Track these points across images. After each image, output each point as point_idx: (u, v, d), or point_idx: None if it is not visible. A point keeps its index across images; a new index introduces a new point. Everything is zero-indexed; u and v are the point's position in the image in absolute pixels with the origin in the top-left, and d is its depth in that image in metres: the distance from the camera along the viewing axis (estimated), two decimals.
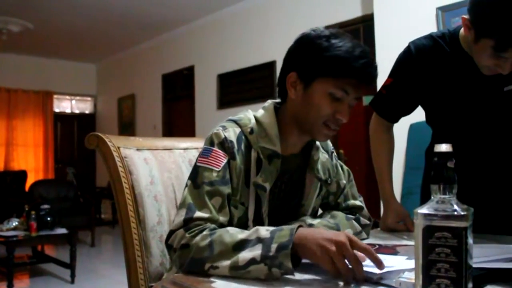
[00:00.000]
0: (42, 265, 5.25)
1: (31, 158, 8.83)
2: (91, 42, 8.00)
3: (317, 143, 1.29)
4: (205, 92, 6.78)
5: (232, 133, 1.15)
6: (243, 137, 1.16)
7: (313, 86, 1.14)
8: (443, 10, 3.53)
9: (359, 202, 1.39)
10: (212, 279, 0.93)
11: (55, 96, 9.28)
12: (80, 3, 6.13)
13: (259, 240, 0.97)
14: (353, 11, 4.92)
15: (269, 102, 1.25)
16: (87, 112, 9.92)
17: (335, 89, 1.12)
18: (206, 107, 6.73)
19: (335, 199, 1.36)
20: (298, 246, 0.94)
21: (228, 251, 0.97)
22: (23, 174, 8.15)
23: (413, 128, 3.57)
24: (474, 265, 0.75)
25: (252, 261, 0.94)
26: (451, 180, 0.71)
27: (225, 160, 1.12)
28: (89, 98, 9.91)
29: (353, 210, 1.36)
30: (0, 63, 8.46)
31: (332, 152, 1.38)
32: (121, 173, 1.31)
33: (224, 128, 1.16)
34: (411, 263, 0.89)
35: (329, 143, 1.38)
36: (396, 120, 1.70)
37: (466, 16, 1.36)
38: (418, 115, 1.75)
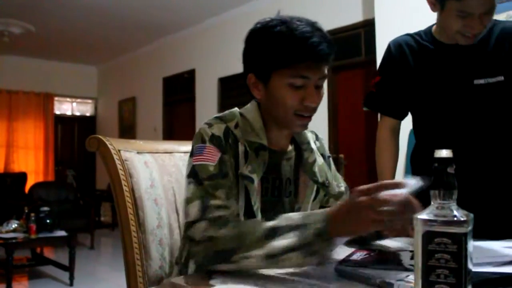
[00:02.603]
0: (41, 267, 5.25)
1: (31, 160, 8.83)
2: (92, 44, 8.01)
3: (311, 145, 1.29)
4: (206, 95, 6.78)
5: (217, 129, 1.14)
6: (229, 132, 1.15)
7: (272, 82, 1.13)
8: None
9: None
10: (211, 282, 0.93)
11: (56, 98, 9.29)
12: (81, 6, 6.14)
13: (291, 227, 0.95)
14: (354, 16, 4.93)
15: (253, 101, 1.25)
16: (87, 114, 9.93)
17: (294, 79, 1.10)
18: (207, 110, 6.73)
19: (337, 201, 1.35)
20: (337, 229, 0.92)
21: (261, 240, 0.95)
22: (23, 176, 8.15)
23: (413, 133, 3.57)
24: (474, 268, 0.74)
25: (288, 248, 0.93)
26: (451, 186, 0.71)
27: (219, 155, 1.11)
28: (89, 101, 9.92)
29: None
30: (1, 65, 8.47)
31: (329, 157, 1.37)
32: (121, 176, 1.31)
33: (210, 125, 1.15)
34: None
35: (326, 147, 1.38)
36: (397, 115, 1.71)
37: None
38: None
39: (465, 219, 0.69)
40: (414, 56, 1.60)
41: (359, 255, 1.05)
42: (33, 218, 4.72)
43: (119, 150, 1.33)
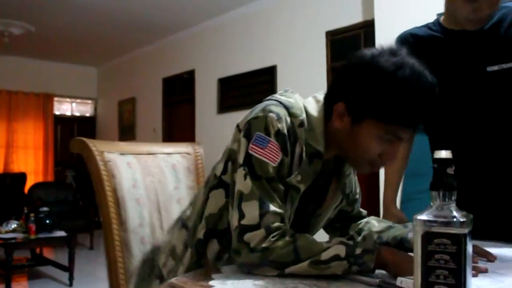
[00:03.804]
0: (41, 267, 5.25)
1: (31, 161, 8.82)
2: (92, 45, 8.01)
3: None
4: (206, 96, 6.78)
5: (284, 125, 1.04)
6: (292, 129, 1.06)
7: (362, 125, 1.04)
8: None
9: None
10: (210, 283, 0.93)
11: (55, 98, 9.28)
12: (81, 7, 6.14)
13: (342, 243, 0.96)
14: (354, 17, 4.93)
15: (321, 95, 1.15)
16: (87, 115, 9.92)
17: (387, 134, 1.03)
18: (207, 111, 6.74)
19: (352, 208, 1.34)
20: (387, 259, 0.94)
21: (314, 255, 0.95)
22: (22, 176, 8.14)
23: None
24: None
25: (336, 257, 0.94)
26: (450, 187, 0.71)
27: (281, 156, 1.03)
28: (89, 101, 9.91)
29: (362, 214, 1.36)
30: (1, 65, 8.46)
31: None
32: (104, 176, 1.35)
33: (278, 117, 1.04)
34: None
35: None
36: None
37: None
38: None
39: (464, 220, 0.69)
40: (422, 46, 1.54)
41: None
42: (32, 218, 4.72)
43: (102, 152, 1.37)
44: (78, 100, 9.81)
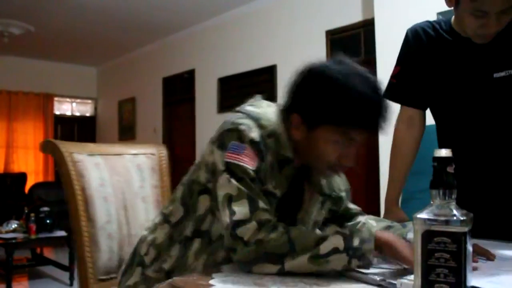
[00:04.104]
0: (41, 267, 5.25)
1: (31, 161, 8.82)
2: (92, 45, 8.01)
3: None
4: (206, 95, 6.78)
5: (256, 135, 1.11)
6: (263, 139, 1.12)
7: (317, 132, 1.10)
8: (444, 15, 3.54)
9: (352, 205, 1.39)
10: (211, 282, 0.93)
11: (55, 98, 9.27)
12: (81, 6, 6.14)
13: (338, 232, 1.00)
14: (354, 16, 4.93)
15: (278, 105, 1.20)
16: (87, 115, 9.92)
17: (341, 137, 1.09)
18: (207, 110, 6.73)
19: (338, 207, 1.35)
20: (381, 242, 0.99)
21: (310, 245, 0.98)
22: (23, 176, 8.14)
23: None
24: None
25: (335, 250, 0.96)
26: (450, 185, 0.71)
27: (257, 161, 1.08)
28: (89, 101, 9.91)
29: (352, 211, 1.37)
30: (1, 65, 8.46)
31: None
32: (73, 175, 1.43)
33: (249, 128, 1.11)
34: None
35: None
36: (420, 105, 1.62)
37: None
38: None
39: (464, 218, 0.69)
40: (431, 45, 1.53)
41: None
42: (33, 218, 4.72)
43: (71, 153, 1.46)
44: (78, 100, 9.81)
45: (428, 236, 0.70)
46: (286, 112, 1.16)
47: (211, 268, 1.06)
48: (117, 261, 1.50)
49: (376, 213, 1.48)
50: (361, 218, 1.35)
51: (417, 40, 1.56)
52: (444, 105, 1.58)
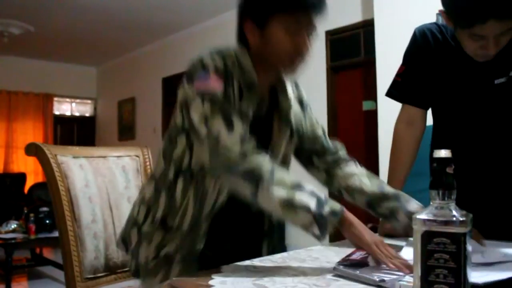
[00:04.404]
0: (41, 268, 5.24)
1: (30, 161, 8.80)
2: (91, 45, 8.01)
3: (288, 91, 1.33)
4: None
5: (219, 63, 1.17)
6: (227, 68, 1.19)
7: (269, 28, 1.18)
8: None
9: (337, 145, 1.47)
10: (210, 282, 0.93)
11: (55, 98, 9.28)
12: (81, 6, 6.14)
13: (314, 193, 1.05)
14: (354, 16, 4.93)
15: (239, 46, 1.28)
16: (87, 115, 9.92)
17: (290, 24, 1.16)
18: None
19: (320, 146, 1.42)
20: (347, 221, 1.05)
21: (287, 185, 1.05)
22: (22, 177, 8.13)
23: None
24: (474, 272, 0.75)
25: (306, 207, 1.02)
26: (450, 186, 0.71)
27: (223, 85, 1.15)
28: (89, 101, 9.92)
29: (340, 155, 1.45)
30: (0, 65, 8.47)
31: (308, 105, 1.42)
32: (57, 177, 1.46)
33: (212, 57, 1.18)
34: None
35: (305, 95, 1.42)
36: (423, 104, 1.62)
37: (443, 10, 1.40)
38: None
39: (464, 219, 0.69)
40: (437, 47, 1.54)
41: (358, 255, 1.05)
42: (32, 218, 4.71)
43: (55, 155, 1.48)
44: (78, 100, 9.82)
45: (427, 237, 0.70)
46: (240, 29, 1.25)
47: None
48: (103, 259, 1.54)
49: None
50: (355, 170, 1.41)
51: (424, 41, 1.56)
52: (445, 108, 1.58)
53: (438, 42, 1.54)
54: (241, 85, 1.19)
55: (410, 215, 1.25)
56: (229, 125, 1.10)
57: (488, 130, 1.51)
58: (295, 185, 1.05)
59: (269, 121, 1.29)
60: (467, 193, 1.49)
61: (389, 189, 1.32)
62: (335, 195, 1.37)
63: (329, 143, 1.45)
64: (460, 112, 1.54)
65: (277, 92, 1.31)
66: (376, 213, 1.32)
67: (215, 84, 1.13)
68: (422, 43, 1.57)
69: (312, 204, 1.02)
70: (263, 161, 1.08)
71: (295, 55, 1.19)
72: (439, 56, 1.54)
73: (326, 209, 1.03)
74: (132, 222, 1.30)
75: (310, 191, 1.05)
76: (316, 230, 1.02)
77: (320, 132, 1.44)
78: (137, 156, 1.76)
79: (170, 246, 1.21)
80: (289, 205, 1.03)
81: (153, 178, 1.29)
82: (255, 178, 1.05)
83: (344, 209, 1.06)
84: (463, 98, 1.52)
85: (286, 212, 1.04)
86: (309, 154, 1.42)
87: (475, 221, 0.75)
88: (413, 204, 1.27)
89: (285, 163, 1.33)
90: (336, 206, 1.05)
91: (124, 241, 1.33)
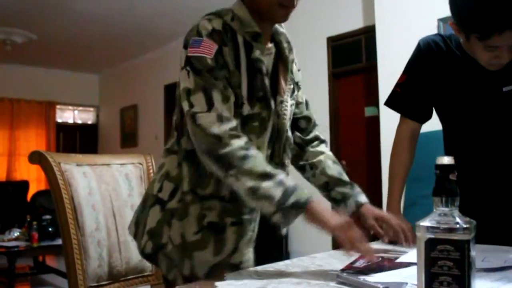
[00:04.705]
0: (43, 275, 5.24)
1: (33, 168, 8.81)
2: (94, 53, 8.04)
3: (291, 45, 1.34)
4: None
5: (216, 23, 1.18)
6: (227, 25, 1.19)
7: None
8: (444, 21, 3.55)
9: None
10: (216, 283, 0.93)
11: (57, 106, 9.31)
12: (83, 15, 6.17)
13: (282, 183, 1.07)
14: (355, 23, 4.94)
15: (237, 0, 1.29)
16: (89, 122, 9.95)
17: None
18: None
19: (303, 118, 1.45)
20: (310, 211, 1.06)
21: (255, 174, 1.07)
22: (25, 184, 8.15)
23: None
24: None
25: (270, 197, 1.05)
26: (453, 193, 0.71)
27: (216, 47, 1.15)
28: (91, 109, 9.94)
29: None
30: (3, 73, 8.50)
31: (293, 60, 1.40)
32: (61, 185, 1.46)
33: (209, 20, 1.18)
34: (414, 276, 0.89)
35: (296, 61, 1.39)
36: (420, 118, 1.64)
37: (452, 21, 1.41)
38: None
39: (467, 226, 0.69)
40: (442, 58, 1.54)
41: (361, 262, 1.05)
42: (35, 226, 4.72)
43: (59, 163, 1.48)
44: (80, 108, 9.84)
45: (431, 244, 0.70)
46: None
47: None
48: (107, 267, 1.53)
49: None
50: (323, 150, 1.45)
51: (429, 52, 1.56)
52: (454, 117, 1.58)
53: (443, 52, 1.55)
54: (246, 38, 1.20)
55: (358, 204, 1.37)
56: (209, 103, 1.12)
57: (497, 137, 1.52)
58: (263, 174, 1.07)
59: (274, 73, 1.29)
60: (475, 200, 1.49)
61: (346, 178, 1.41)
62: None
63: (311, 116, 1.48)
64: (469, 120, 1.54)
65: (278, 44, 1.32)
66: (329, 196, 1.41)
67: (206, 50, 1.15)
68: (426, 54, 1.57)
69: (278, 194, 1.05)
70: (237, 147, 1.09)
71: (284, 1, 1.19)
72: (444, 66, 1.54)
73: (291, 200, 1.05)
74: (153, 200, 1.26)
75: (279, 181, 1.07)
76: (280, 219, 1.06)
77: (304, 105, 1.47)
78: (140, 163, 1.76)
79: (211, 216, 1.20)
80: (254, 194, 1.06)
81: (171, 152, 1.27)
82: (225, 164, 1.09)
83: (311, 200, 1.07)
84: (472, 106, 1.52)
85: (251, 201, 1.08)
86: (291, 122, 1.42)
87: (480, 227, 0.75)
88: (363, 197, 1.39)
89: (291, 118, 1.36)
90: (303, 197, 1.06)
91: (137, 223, 1.29)
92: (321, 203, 1.09)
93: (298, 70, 1.40)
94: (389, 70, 3.97)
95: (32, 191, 7.86)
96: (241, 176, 1.07)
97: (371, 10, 4.37)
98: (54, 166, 1.46)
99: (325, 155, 1.44)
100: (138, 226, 1.29)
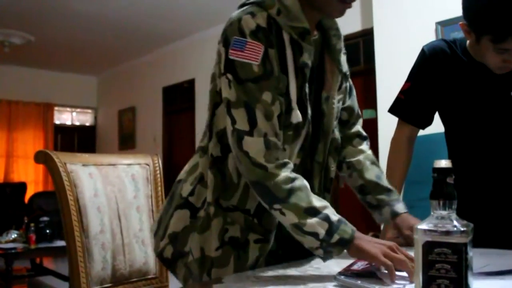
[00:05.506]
0: (41, 277, 5.23)
1: (31, 170, 8.81)
2: (92, 54, 8.04)
3: (340, 32, 1.25)
4: (206, 105, 6.78)
5: (261, 19, 1.05)
6: (271, 20, 1.06)
7: None
8: (443, 24, 3.56)
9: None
10: (214, 286, 0.93)
11: (55, 108, 9.29)
12: (81, 16, 6.17)
13: (327, 219, 1.02)
14: (353, 26, 4.95)
15: None
16: (87, 124, 9.93)
17: None
18: None
19: (350, 111, 1.35)
20: (355, 247, 1.02)
21: (300, 209, 1.02)
22: (22, 186, 8.13)
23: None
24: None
25: (314, 234, 1.01)
26: (450, 196, 0.72)
27: (262, 51, 1.04)
28: (89, 110, 9.92)
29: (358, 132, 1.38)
30: (1, 75, 8.48)
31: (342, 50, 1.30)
32: (67, 186, 1.43)
33: (252, 14, 1.05)
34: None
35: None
36: (422, 125, 1.64)
37: (463, 22, 1.41)
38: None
39: (465, 229, 0.69)
40: (448, 64, 1.54)
41: (360, 265, 1.05)
42: (32, 228, 4.71)
43: (65, 163, 1.46)
44: (78, 109, 9.82)
45: (428, 247, 0.70)
46: None
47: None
48: (110, 270, 1.51)
49: (377, 223, 1.47)
50: (364, 150, 1.35)
51: (434, 58, 1.55)
52: (459, 121, 1.58)
53: (449, 57, 1.54)
54: (292, 35, 1.08)
55: (394, 214, 1.28)
56: (251, 122, 1.03)
57: (504, 141, 1.52)
58: (308, 209, 1.02)
59: (321, 65, 1.20)
60: (479, 203, 1.50)
61: (385, 182, 1.32)
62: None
63: (354, 107, 1.37)
64: (476, 125, 1.54)
65: (326, 31, 1.21)
66: (364, 200, 1.33)
67: (251, 55, 1.03)
68: (431, 60, 1.56)
69: (322, 231, 1.01)
70: (283, 179, 1.03)
71: None
72: (450, 71, 1.53)
73: (335, 238, 1.01)
74: (181, 202, 1.18)
75: (324, 217, 1.02)
76: (322, 254, 1.04)
77: (355, 99, 1.36)
78: (147, 164, 1.71)
79: (233, 230, 1.12)
80: (299, 229, 1.03)
81: (205, 151, 1.19)
82: (270, 197, 1.04)
83: (355, 235, 1.02)
84: (480, 111, 1.52)
85: (295, 234, 1.04)
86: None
87: (478, 231, 0.75)
88: (400, 206, 1.30)
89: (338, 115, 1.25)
90: (347, 233, 1.02)
91: (160, 222, 1.23)
92: (365, 237, 1.05)
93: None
94: (387, 73, 3.98)
95: (29, 192, 7.84)
96: (286, 211, 1.03)
97: (369, 13, 4.38)
98: (60, 167, 1.43)
99: (364, 155, 1.34)
100: (159, 225, 1.22)
